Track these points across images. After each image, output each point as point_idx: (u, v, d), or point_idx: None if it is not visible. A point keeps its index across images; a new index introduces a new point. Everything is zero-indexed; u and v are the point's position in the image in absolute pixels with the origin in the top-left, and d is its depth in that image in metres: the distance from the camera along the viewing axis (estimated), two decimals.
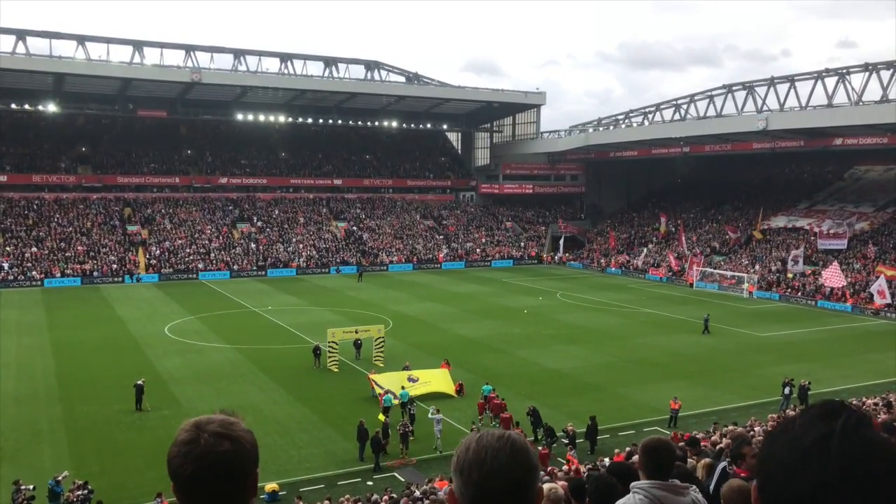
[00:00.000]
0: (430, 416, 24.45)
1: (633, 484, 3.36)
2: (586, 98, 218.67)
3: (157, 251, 65.37)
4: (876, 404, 20.17)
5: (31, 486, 18.92)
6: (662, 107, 76.28)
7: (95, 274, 60.73)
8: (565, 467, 19.41)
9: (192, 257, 65.66)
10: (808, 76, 61.95)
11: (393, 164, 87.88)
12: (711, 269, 63.00)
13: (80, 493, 18.94)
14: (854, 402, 17.01)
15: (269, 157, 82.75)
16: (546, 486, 4.12)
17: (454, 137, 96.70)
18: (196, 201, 74.78)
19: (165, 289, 57.49)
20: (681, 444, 12.00)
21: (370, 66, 78.67)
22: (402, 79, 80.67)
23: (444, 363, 31.40)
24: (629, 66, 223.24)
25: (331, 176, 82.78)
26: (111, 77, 66.31)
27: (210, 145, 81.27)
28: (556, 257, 78.36)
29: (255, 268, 66.51)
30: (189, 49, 70.66)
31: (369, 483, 21.34)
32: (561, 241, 79.20)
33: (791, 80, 62.80)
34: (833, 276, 52.49)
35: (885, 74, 56.03)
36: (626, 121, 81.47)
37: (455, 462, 1.72)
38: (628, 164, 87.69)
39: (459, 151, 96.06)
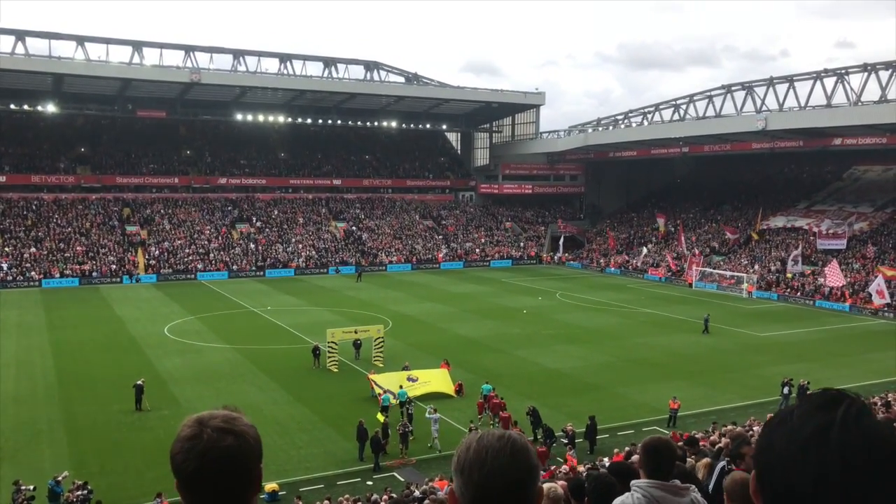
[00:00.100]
0: (427, 415, 24.48)
1: (633, 482, 3.37)
2: (585, 98, 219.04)
3: (157, 251, 65.32)
4: (875, 404, 20.19)
5: (31, 487, 18.93)
6: (661, 107, 76.26)
7: (94, 274, 60.68)
8: (564, 467, 19.41)
9: (191, 258, 65.61)
10: (807, 76, 61.94)
11: (392, 164, 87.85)
12: (711, 269, 63.04)
13: (79, 493, 18.95)
14: None
15: (269, 158, 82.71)
16: (546, 486, 4.13)
17: (453, 137, 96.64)
18: (195, 202, 74.73)
19: (164, 289, 57.43)
20: (680, 443, 12.03)
21: (369, 66, 78.64)
22: (402, 79, 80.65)
23: (443, 363, 31.42)
24: (628, 66, 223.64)
25: (330, 176, 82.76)
26: (110, 77, 66.21)
27: (209, 145, 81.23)
28: (556, 257, 78.33)
29: (254, 268, 66.46)
30: (188, 49, 70.59)
31: (369, 483, 21.35)
32: (560, 241, 79.15)
33: (790, 80, 62.78)
34: (833, 275, 52.57)
35: (884, 75, 56.07)
36: (626, 121, 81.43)
37: (456, 462, 1.72)
38: (627, 165, 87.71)
39: (459, 151, 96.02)
